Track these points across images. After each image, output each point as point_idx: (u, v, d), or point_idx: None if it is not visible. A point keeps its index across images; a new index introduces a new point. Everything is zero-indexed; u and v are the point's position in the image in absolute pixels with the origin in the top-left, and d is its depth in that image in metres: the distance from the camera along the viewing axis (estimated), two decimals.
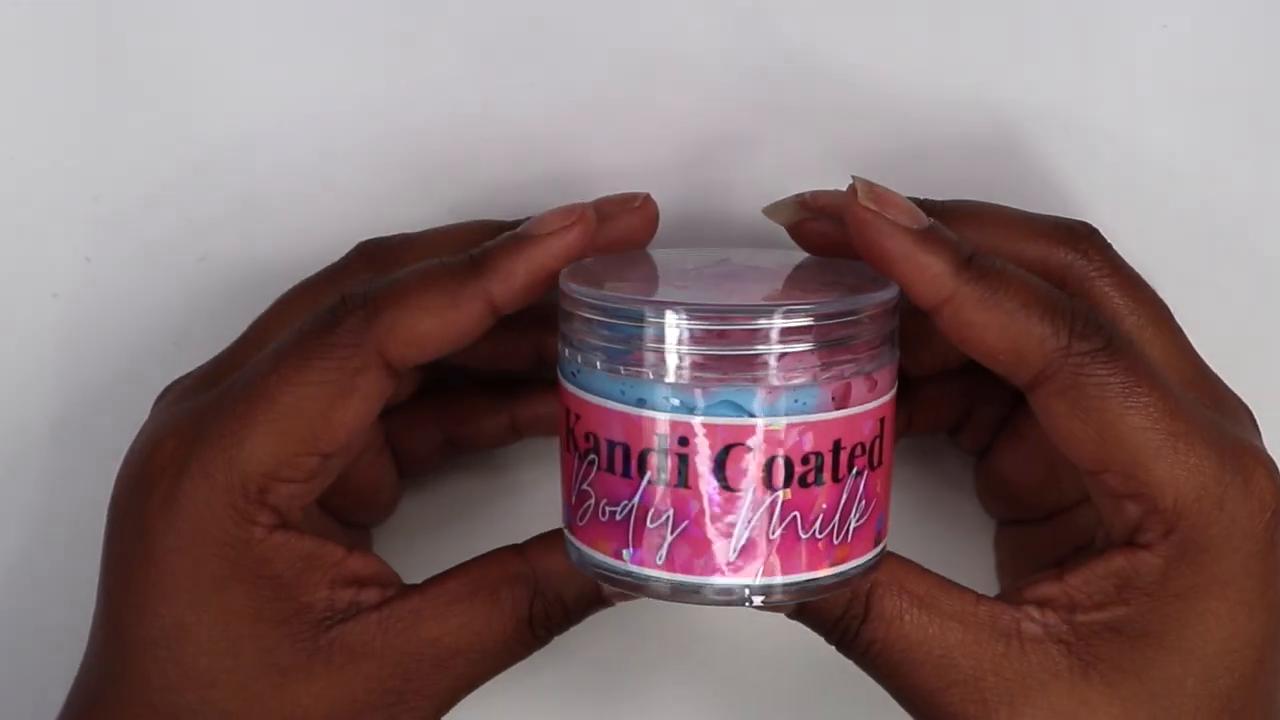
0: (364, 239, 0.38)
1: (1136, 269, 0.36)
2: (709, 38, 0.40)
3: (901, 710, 0.36)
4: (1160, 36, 0.40)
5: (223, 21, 0.40)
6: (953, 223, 0.34)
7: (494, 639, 0.35)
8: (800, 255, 0.36)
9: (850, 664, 0.35)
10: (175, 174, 0.41)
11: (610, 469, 0.32)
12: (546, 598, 0.35)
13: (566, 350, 0.33)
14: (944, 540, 0.41)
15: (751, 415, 0.31)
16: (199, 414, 0.35)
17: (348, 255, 0.37)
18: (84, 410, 0.43)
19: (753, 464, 0.32)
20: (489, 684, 0.36)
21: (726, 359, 0.31)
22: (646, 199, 0.36)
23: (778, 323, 0.31)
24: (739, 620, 0.42)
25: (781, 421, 0.31)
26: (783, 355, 0.31)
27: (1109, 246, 0.36)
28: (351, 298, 0.34)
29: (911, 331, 0.35)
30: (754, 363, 0.31)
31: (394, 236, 0.37)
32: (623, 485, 0.32)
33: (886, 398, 0.33)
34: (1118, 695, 0.34)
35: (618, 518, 0.33)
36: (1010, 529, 0.42)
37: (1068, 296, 0.33)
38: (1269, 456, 0.34)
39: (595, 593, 0.36)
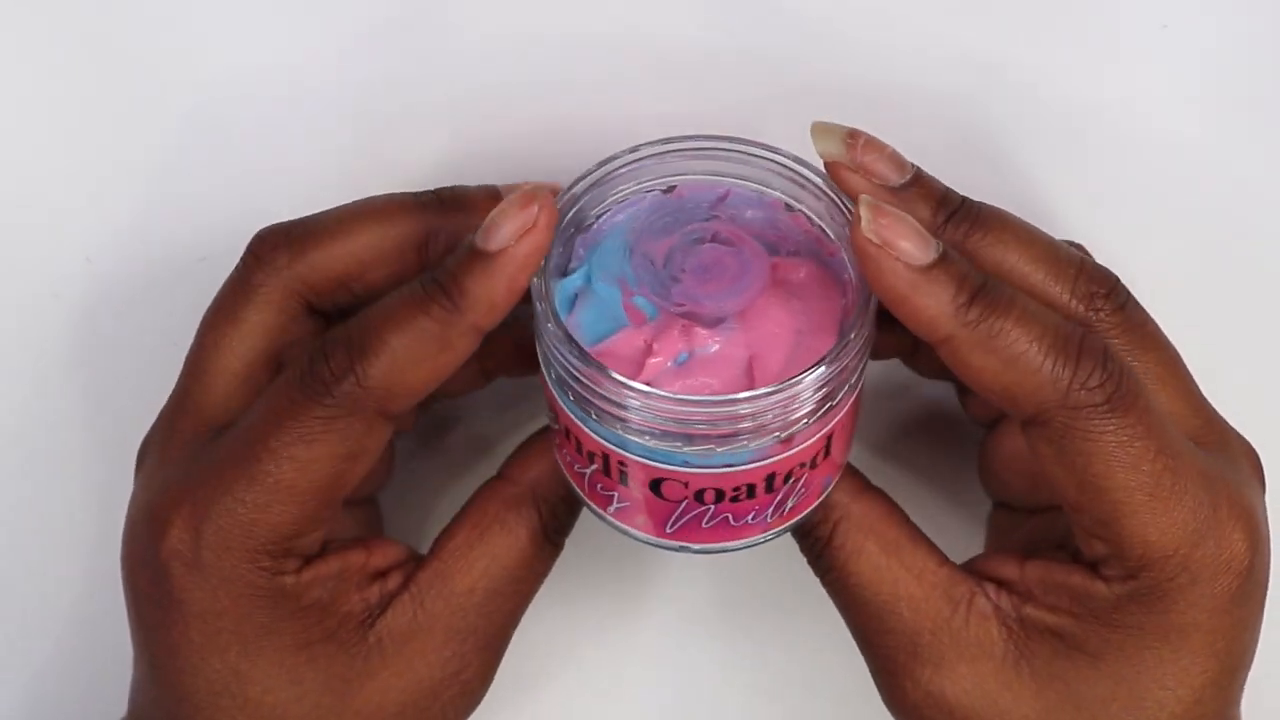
0: (261, 230, 0.36)
1: (1135, 267, 0.36)
2: None
3: None
4: (1160, 36, 0.40)
5: (224, 23, 0.40)
6: (976, 228, 0.34)
7: (519, 564, 0.36)
8: (808, 176, 0.34)
9: None
10: (175, 174, 0.41)
11: (567, 439, 0.34)
12: (549, 503, 0.36)
13: (537, 341, 0.33)
14: (942, 513, 0.41)
15: (685, 464, 0.32)
16: (200, 491, 0.34)
17: (245, 258, 0.36)
18: (84, 410, 0.43)
19: (684, 489, 0.32)
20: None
21: (662, 429, 0.31)
22: (542, 205, 0.32)
23: (734, 427, 0.31)
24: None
25: (719, 472, 0.32)
26: (720, 435, 0.31)
27: (1127, 304, 0.34)
28: (336, 358, 0.33)
29: None
30: (690, 435, 0.31)
31: (292, 226, 0.36)
32: (577, 458, 0.34)
33: (840, 415, 0.33)
34: (1042, 694, 0.34)
35: (577, 470, 0.34)
36: (1003, 512, 0.42)
37: (1081, 334, 0.32)
38: (1255, 512, 0.34)
39: None
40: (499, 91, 0.41)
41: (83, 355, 0.42)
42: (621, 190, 0.34)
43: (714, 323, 0.32)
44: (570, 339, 0.31)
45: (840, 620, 0.37)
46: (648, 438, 0.31)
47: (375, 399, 0.33)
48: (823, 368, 0.31)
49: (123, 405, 0.38)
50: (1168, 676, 0.33)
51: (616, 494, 0.34)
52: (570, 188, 0.33)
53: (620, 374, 0.31)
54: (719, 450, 0.31)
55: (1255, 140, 0.41)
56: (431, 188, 0.37)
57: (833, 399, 0.32)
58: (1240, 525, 0.33)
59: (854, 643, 0.36)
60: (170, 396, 0.37)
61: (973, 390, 0.33)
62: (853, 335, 0.31)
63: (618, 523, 0.35)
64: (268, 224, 0.37)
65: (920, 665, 0.34)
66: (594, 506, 0.35)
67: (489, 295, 0.32)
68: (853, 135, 0.33)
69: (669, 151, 0.34)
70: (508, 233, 0.32)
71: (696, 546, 0.35)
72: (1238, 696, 0.35)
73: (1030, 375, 0.31)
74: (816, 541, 0.36)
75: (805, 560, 0.37)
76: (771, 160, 0.34)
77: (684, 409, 0.30)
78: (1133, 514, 0.32)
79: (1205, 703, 0.34)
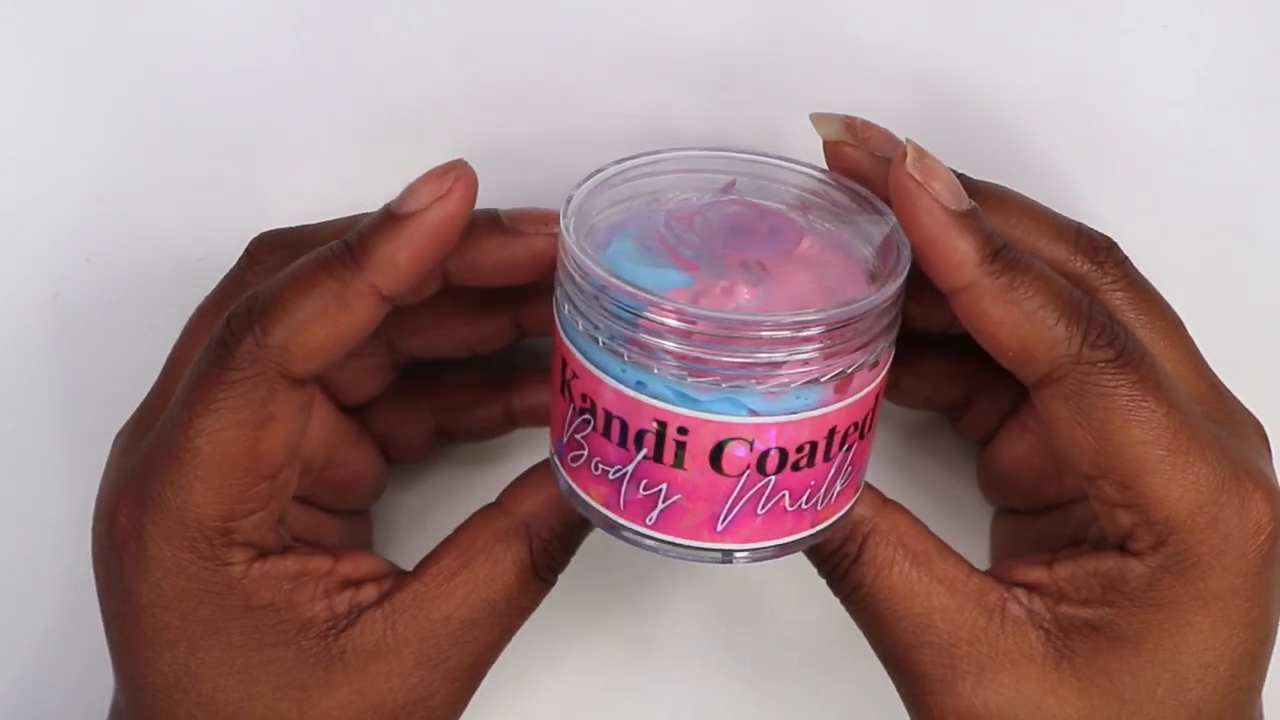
0: (260, 233, 0.37)
1: (1138, 265, 0.36)
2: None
3: None
4: (1160, 36, 0.40)
5: (225, 23, 0.40)
6: (974, 197, 0.34)
7: (503, 598, 0.35)
8: (811, 173, 0.35)
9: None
10: (176, 174, 0.41)
11: (606, 435, 0.32)
12: (542, 538, 0.36)
13: (566, 306, 0.32)
14: (942, 523, 0.40)
15: (753, 413, 0.31)
16: (137, 475, 0.34)
17: (241, 258, 0.36)
18: (84, 410, 0.43)
19: (748, 455, 0.32)
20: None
21: (731, 362, 0.31)
22: (459, 176, 0.33)
23: (784, 334, 0.30)
24: (755, 571, 0.43)
25: (780, 420, 0.31)
26: (787, 361, 0.31)
27: (1126, 260, 0.36)
28: (237, 320, 0.33)
29: (928, 284, 0.35)
30: (757, 367, 0.31)
31: (289, 231, 0.36)
32: (617, 452, 0.33)
33: (884, 373, 0.33)
34: (1086, 691, 0.34)
35: (610, 477, 0.33)
36: (1008, 517, 0.42)
37: (1089, 301, 0.33)
38: (1271, 480, 0.34)
39: (584, 517, 0.35)
40: (502, 93, 0.41)
41: (83, 355, 0.42)
42: (617, 202, 0.34)
43: (756, 280, 0.32)
44: (634, 285, 0.31)
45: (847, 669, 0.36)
46: (720, 381, 0.31)
47: (274, 358, 0.33)
48: (898, 281, 0.32)
49: (122, 405, 0.38)
50: (1208, 652, 0.33)
51: (664, 487, 0.32)
52: (569, 199, 0.33)
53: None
54: (793, 387, 0.31)
55: (1255, 140, 0.41)
56: None
57: (885, 338, 0.32)
58: (1259, 488, 0.33)
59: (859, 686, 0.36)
60: (149, 389, 0.37)
61: (986, 347, 0.33)
62: (899, 271, 0.32)
63: (657, 534, 0.33)
64: (267, 224, 0.38)
65: (960, 678, 0.34)
66: (627, 524, 0.34)
67: (391, 254, 0.32)
68: (850, 118, 0.35)
69: (655, 163, 0.34)
70: (420, 198, 0.33)
71: (742, 549, 0.33)
72: (1265, 673, 0.35)
73: (1048, 329, 0.32)
74: (844, 559, 0.35)
75: (805, 595, 0.37)
76: (762, 162, 0.35)
77: (775, 319, 0.30)
78: (1154, 469, 0.32)
79: (1241, 676, 0.34)
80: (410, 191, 0.33)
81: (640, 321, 0.31)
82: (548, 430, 0.36)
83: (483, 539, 0.35)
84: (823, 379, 0.31)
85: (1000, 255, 0.32)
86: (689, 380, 0.31)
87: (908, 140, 0.33)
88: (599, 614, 0.45)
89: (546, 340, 0.34)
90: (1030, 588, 0.35)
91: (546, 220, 0.35)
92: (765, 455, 0.32)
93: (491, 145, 0.40)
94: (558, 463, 0.35)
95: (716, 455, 0.32)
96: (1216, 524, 0.33)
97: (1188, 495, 0.32)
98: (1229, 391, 0.36)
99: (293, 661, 0.34)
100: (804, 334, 0.30)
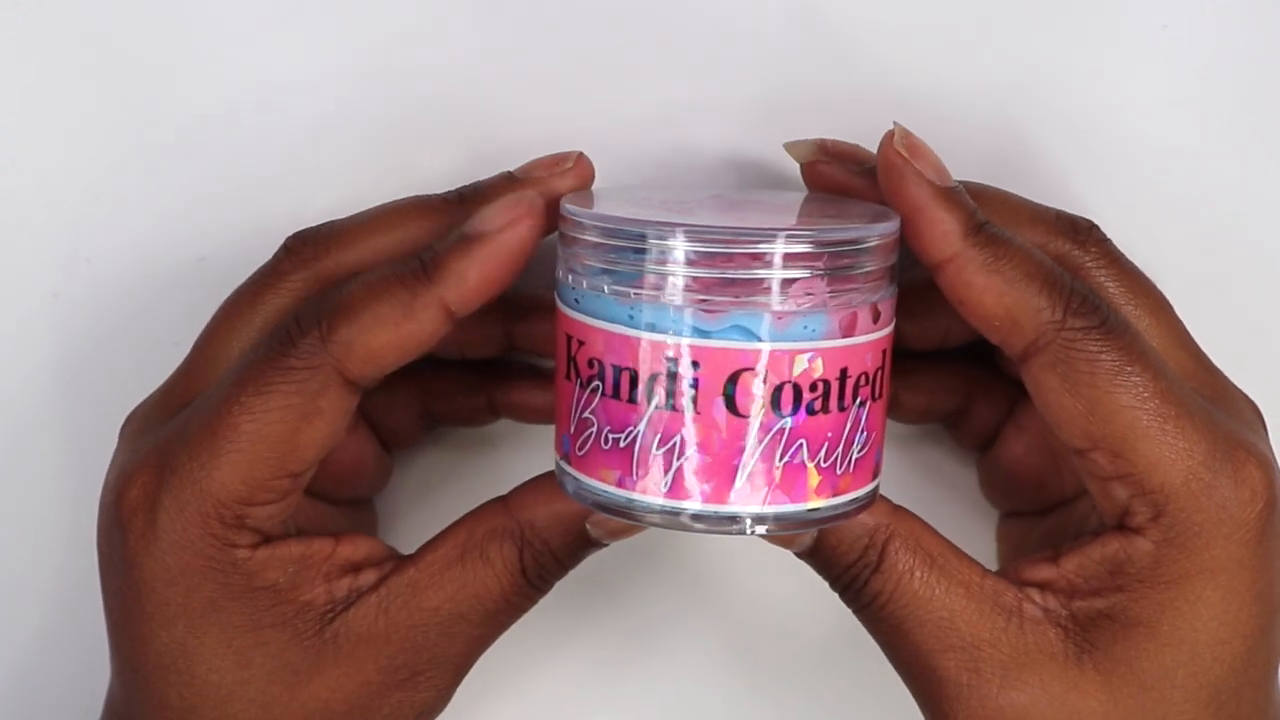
0: (296, 231, 0.37)
1: (1138, 265, 0.36)
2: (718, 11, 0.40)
3: None
4: (1160, 36, 0.40)
5: (223, 23, 0.40)
6: None
7: (492, 597, 0.35)
8: (795, 197, 0.37)
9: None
10: (175, 174, 0.41)
11: (615, 395, 0.32)
12: (534, 547, 0.35)
13: (569, 276, 0.33)
14: (945, 530, 0.41)
15: (760, 340, 0.31)
16: (164, 447, 0.35)
17: (277, 252, 0.37)
18: (83, 411, 0.43)
19: (760, 390, 0.31)
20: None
21: (736, 283, 0.31)
22: (579, 159, 0.36)
23: (787, 247, 0.31)
24: (752, 572, 0.44)
25: (789, 347, 0.31)
26: (791, 281, 0.31)
27: (1108, 240, 0.36)
28: (305, 317, 0.34)
29: (919, 299, 0.36)
30: (762, 287, 0.31)
31: (321, 226, 0.37)
32: (627, 411, 0.32)
33: (888, 329, 0.33)
34: (1108, 682, 0.34)
35: (621, 445, 0.32)
36: (1013, 520, 0.42)
37: (1069, 275, 0.34)
38: (1263, 450, 0.34)
39: (582, 536, 0.36)
40: (505, 103, 0.41)
41: (83, 355, 0.42)
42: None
43: None
44: (637, 219, 0.31)
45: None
46: (726, 304, 0.31)
47: (335, 354, 0.33)
48: (895, 220, 0.33)
49: (122, 405, 0.38)
50: (1222, 628, 0.34)
51: (678, 441, 0.32)
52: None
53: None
54: (799, 312, 0.31)
55: (1255, 141, 0.41)
56: (433, 187, 0.38)
57: (885, 285, 0.33)
58: (1252, 457, 0.34)
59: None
60: (174, 370, 0.37)
61: (970, 320, 0.33)
62: (894, 215, 0.33)
63: (672, 503, 0.32)
64: (267, 223, 0.38)
65: (985, 681, 0.34)
66: (641, 498, 0.32)
67: (462, 270, 0.33)
68: (822, 140, 0.37)
69: (645, 187, 0.36)
70: (494, 221, 0.34)
71: (762, 514, 0.32)
72: (1279, 648, 0.35)
73: (1032, 296, 0.33)
74: (865, 569, 0.35)
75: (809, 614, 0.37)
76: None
77: (776, 229, 0.31)
78: (1145, 435, 0.33)
79: (1255, 652, 0.34)
80: (483, 215, 0.34)
81: (643, 248, 0.31)
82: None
83: (480, 535, 0.36)
84: (828, 305, 0.31)
85: (983, 229, 0.33)
86: (697, 307, 0.31)
87: (895, 123, 0.33)
88: (596, 607, 0.45)
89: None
90: (1042, 586, 0.35)
91: (556, 162, 0.36)
92: (779, 390, 0.31)
93: (492, 153, 0.40)
94: (565, 465, 0.34)
95: (730, 391, 0.31)
96: (1211, 491, 0.33)
97: (1180, 461, 0.33)
98: (1218, 369, 0.36)
99: (287, 643, 0.35)
100: (803, 248, 0.31)
